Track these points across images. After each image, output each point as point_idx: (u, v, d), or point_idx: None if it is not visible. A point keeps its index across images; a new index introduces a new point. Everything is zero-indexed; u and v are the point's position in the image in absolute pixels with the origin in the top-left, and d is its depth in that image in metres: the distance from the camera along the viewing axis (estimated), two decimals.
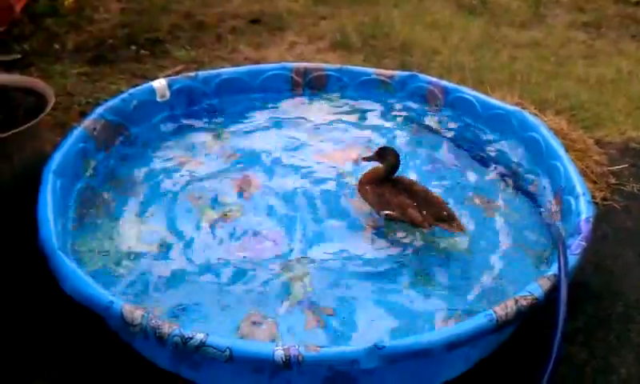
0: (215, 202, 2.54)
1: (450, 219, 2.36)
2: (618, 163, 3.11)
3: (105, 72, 3.76)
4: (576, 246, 2.08)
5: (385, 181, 2.46)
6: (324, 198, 2.59)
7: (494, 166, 2.81)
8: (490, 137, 2.96)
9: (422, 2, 5.04)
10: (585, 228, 2.16)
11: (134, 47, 4.10)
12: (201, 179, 2.68)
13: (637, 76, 4.02)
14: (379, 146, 2.54)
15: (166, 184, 2.65)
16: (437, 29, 4.51)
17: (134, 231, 2.36)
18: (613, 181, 2.98)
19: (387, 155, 2.46)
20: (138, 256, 2.25)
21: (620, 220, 2.74)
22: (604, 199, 2.84)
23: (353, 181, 2.65)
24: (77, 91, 3.50)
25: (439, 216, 2.36)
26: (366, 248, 2.33)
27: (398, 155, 2.46)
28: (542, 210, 2.50)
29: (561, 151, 2.61)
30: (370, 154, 2.56)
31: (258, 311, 2.05)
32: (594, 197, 2.72)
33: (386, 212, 2.41)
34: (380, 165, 2.48)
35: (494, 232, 2.43)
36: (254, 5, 4.87)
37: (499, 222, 2.49)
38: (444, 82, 3.19)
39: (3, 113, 2.69)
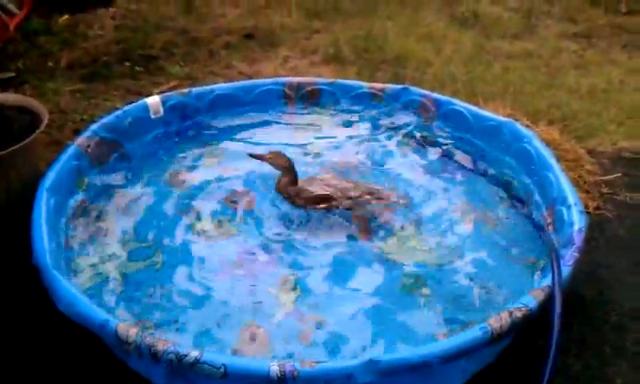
0: (209, 218, 2.55)
1: (380, 193, 2.59)
2: (610, 173, 3.13)
3: (99, 89, 3.77)
4: (569, 257, 2.09)
5: (295, 182, 2.62)
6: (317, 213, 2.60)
7: (486, 177, 2.83)
8: (483, 148, 2.97)
9: (415, 14, 5.07)
10: (578, 239, 2.18)
11: (128, 64, 4.11)
12: (194, 195, 2.69)
13: (628, 85, 4.05)
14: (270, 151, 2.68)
15: (160, 200, 2.66)
16: (430, 41, 4.54)
17: (128, 247, 2.37)
18: (605, 190, 3.00)
19: (278, 159, 2.63)
20: (132, 272, 2.25)
21: (612, 229, 2.75)
22: (597, 208, 2.85)
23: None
24: (70, 108, 3.51)
25: (370, 191, 2.58)
26: (359, 260, 2.34)
27: (288, 158, 2.63)
28: (534, 220, 2.52)
29: (552, 161, 2.63)
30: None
31: (254, 323, 2.06)
32: (586, 206, 2.73)
33: (323, 205, 2.54)
34: (280, 173, 2.63)
35: (488, 243, 2.45)
36: (248, 20, 4.89)
37: (492, 233, 2.50)
38: (436, 95, 3.20)
39: None
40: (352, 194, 2.55)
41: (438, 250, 2.40)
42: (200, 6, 5.16)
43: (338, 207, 2.55)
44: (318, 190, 2.57)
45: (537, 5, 5.42)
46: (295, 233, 2.48)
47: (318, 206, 2.56)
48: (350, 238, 2.46)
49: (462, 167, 2.93)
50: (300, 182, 2.64)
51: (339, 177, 2.69)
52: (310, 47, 4.44)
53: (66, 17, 4.78)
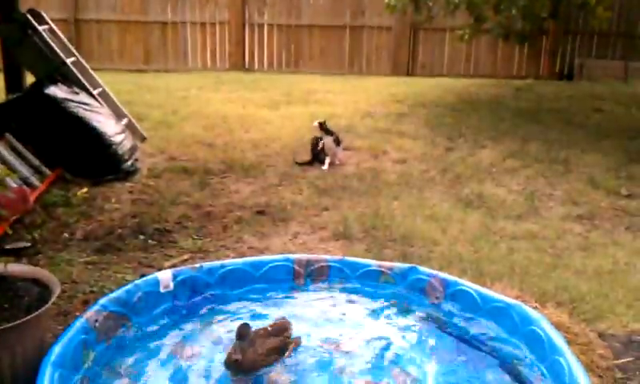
0: None
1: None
2: (622, 356, 3.06)
3: (111, 261, 3.84)
4: None
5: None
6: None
7: (496, 360, 2.78)
8: (492, 330, 2.95)
9: (420, 195, 5.24)
10: None
11: (142, 237, 4.21)
12: (202, 372, 2.65)
13: (634, 267, 4.07)
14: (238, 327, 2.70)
15: (165, 376, 2.61)
16: (436, 221, 4.65)
17: None
18: (619, 375, 2.92)
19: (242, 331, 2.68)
20: None
21: None
22: None
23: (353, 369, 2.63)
24: (82, 280, 3.55)
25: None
26: None
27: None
28: None
29: (563, 346, 2.61)
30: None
31: None
32: None
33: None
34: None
35: None
36: (261, 197, 5.07)
37: None
38: (444, 275, 3.24)
39: (8, 303, 2.72)
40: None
41: None
42: (215, 183, 5.38)
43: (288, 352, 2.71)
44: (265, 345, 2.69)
45: (539, 187, 5.61)
46: None
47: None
48: None
49: (470, 348, 2.89)
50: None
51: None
52: (319, 223, 4.56)
53: (84, 190, 4.98)
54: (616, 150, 6.92)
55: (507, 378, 2.69)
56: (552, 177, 5.93)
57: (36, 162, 5.08)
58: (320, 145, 6.01)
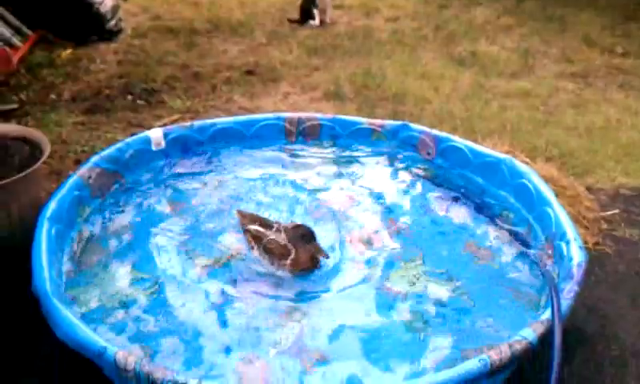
0: (208, 249, 2.55)
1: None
2: (609, 209, 3.14)
3: (101, 121, 3.80)
4: (568, 291, 2.09)
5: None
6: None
7: (486, 212, 2.83)
8: (482, 184, 2.99)
9: (413, 54, 5.15)
10: (577, 273, 2.18)
11: (130, 97, 4.15)
12: (194, 227, 2.69)
13: (625, 124, 4.09)
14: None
15: (160, 230, 2.65)
16: (428, 79, 4.59)
17: (128, 277, 2.36)
18: (604, 226, 3.01)
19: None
20: (131, 301, 2.24)
21: (612, 264, 2.75)
22: (596, 244, 2.86)
23: (349, 224, 2.70)
24: (72, 140, 3.53)
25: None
26: (362, 296, 2.33)
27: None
28: (533, 255, 2.52)
29: (551, 197, 2.64)
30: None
31: (253, 352, 2.04)
32: (585, 242, 2.74)
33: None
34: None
35: (487, 278, 2.44)
36: (249, 57, 4.96)
37: (492, 267, 2.50)
38: (435, 132, 3.23)
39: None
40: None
41: (438, 284, 2.39)
42: (202, 43, 5.24)
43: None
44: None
45: (534, 45, 5.51)
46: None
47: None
48: (355, 271, 2.45)
49: (460, 201, 2.93)
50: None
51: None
52: (310, 84, 4.49)
53: (69, 51, 4.85)
54: (613, 8, 6.75)
55: (494, 227, 2.75)
56: (547, 35, 5.81)
57: (16, 22, 4.90)
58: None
